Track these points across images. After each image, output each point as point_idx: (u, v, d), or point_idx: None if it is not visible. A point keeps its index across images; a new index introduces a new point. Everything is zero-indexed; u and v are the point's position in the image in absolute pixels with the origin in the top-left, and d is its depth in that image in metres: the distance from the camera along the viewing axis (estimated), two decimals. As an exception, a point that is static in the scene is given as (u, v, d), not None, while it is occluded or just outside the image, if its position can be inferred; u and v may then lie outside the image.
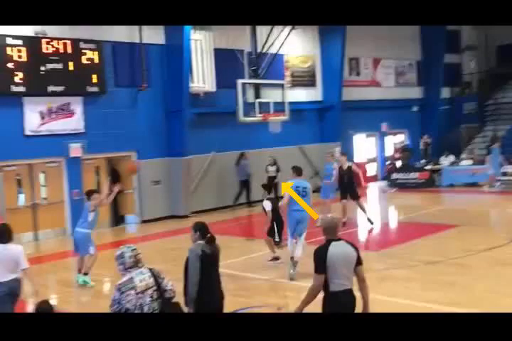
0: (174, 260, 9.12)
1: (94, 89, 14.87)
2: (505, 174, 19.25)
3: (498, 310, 7.08)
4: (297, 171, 9.82)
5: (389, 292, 8.29)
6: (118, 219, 16.21)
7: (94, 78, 14.79)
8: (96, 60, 14.81)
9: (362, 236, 13.49)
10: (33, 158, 14.05)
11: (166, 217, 16.54)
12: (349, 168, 13.67)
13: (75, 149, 14.68)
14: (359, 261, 5.10)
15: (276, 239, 10.40)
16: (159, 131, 16.56)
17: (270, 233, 10.34)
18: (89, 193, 10.00)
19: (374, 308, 7.59)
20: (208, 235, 5.75)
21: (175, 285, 5.19)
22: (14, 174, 14.19)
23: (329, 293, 4.99)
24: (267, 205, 10.28)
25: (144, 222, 16.02)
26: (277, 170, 17.73)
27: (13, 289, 6.65)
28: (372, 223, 13.62)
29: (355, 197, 13.78)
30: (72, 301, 9.24)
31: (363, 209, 13.86)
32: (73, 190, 14.73)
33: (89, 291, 9.50)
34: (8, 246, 6.69)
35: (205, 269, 5.60)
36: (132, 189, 16.15)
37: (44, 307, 4.32)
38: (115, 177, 16.20)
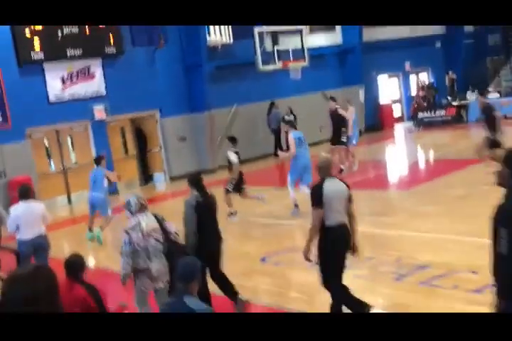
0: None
1: (112, 50, 14.87)
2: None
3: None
4: (292, 125, 11.04)
5: (420, 228, 8.40)
6: (147, 177, 16.52)
7: (111, 39, 14.79)
8: (111, 21, 14.71)
9: (391, 176, 13.54)
10: (59, 123, 14.26)
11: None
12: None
13: (99, 112, 14.82)
14: (350, 199, 5.40)
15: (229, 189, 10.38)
16: (180, 87, 16.57)
17: (236, 188, 10.32)
18: (100, 159, 10.43)
19: (406, 243, 7.75)
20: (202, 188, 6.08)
21: (178, 228, 5.71)
22: (43, 140, 14.49)
23: (325, 228, 5.27)
24: (233, 157, 10.28)
25: (172, 179, 16.28)
26: (295, 119, 17.67)
27: (40, 245, 7.01)
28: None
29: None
30: (103, 257, 9.57)
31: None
32: (101, 152, 14.97)
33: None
34: (31, 204, 7.02)
35: (202, 218, 5.89)
36: (158, 147, 16.37)
37: (74, 260, 4.55)
38: (141, 138, 16.47)
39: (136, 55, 15.61)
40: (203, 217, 5.91)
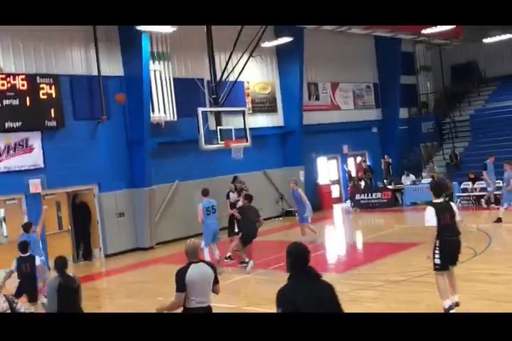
0: (139, 293, 9.02)
1: (53, 123, 14.77)
2: (465, 190, 19.62)
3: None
4: (204, 192, 12.25)
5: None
6: (87, 254, 15.94)
7: (52, 112, 14.72)
8: (53, 95, 14.76)
9: (328, 258, 13.55)
10: (-8, 196, 13.80)
11: (132, 249, 16.36)
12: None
13: (35, 185, 14.48)
14: (216, 280, 5.72)
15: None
16: (121, 162, 16.49)
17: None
18: (28, 226, 10.75)
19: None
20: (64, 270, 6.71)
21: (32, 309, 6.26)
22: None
23: (186, 309, 5.55)
24: None
25: (108, 256, 15.81)
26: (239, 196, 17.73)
27: None
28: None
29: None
30: None
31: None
32: (35, 226, 14.45)
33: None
34: None
35: (63, 299, 6.47)
36: (96, 223, 15.97)
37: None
38: (82, 211, 16.03)
39: (77, 128, 15.55)
40: (65, 298, 6.48)
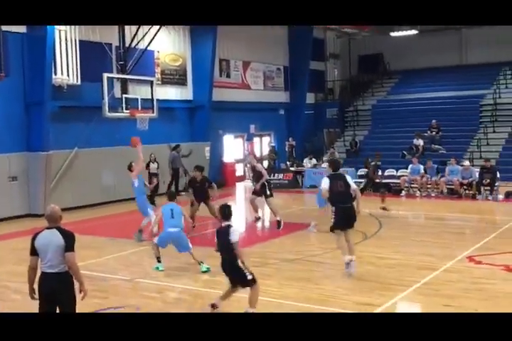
0: (27, 260, 8.61)
1: None
2: (361, 177, 20.36)
3: (345, 307, 7.55)
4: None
5: (246, 289, 8.44)
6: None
7: None
8: None
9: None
10: None
11: (23, 215, 15.64)
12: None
13: None
14: (67, 249, 5.69)
15: None
16: (17, 123, 15.64)
17: None
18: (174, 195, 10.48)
19: (230, 305, 7.73)
20: None
21: None
22: None
23: (41, 273, 5.79)
24: None
25: (-3, 220, 15.06)
26: (158, 167, 17.66)
27: None
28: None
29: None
30: None
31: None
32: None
33: None
34: None
35: None
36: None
37: None
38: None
39: (-28, 84, 14.52)
40: None
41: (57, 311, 5.75)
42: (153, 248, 9.88)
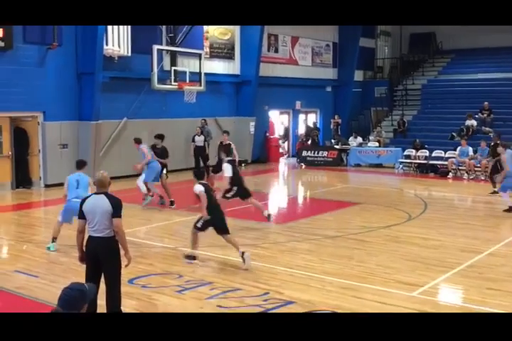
0: (75, 225, 8.90)
1: (0, 43, 14.04)
2: (408, 157, 20.11)
3: (386, 285, 7.54)
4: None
5: (288, 263, 8.53)
6: (24, 181, 15.57)
7: (1, 32, 13.96)
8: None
9: (269, 208, 13.74)
10: None
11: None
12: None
13: (-24, 106, 13.85)
14: (115, 214, 5.82)
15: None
16: (69, 93, 15.94)
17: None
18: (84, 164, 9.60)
19: (272, 278, 7.82)
20: None
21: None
22: None
23: (88, 236, 5.97)
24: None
25: (48, 186, 15.49)
26: (205, 140, 17.54)
27: None
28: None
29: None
30: None
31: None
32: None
33: None
34: None
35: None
36: (37, 152, 15.54)
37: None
38: (22, 137, 15.52)
39: (26, 52, 14.86)
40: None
41: (103, 275, 5.91)
42: (55, 226, 9.27)
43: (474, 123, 20.96)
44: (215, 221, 8.44)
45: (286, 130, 24.20)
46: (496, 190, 14.05)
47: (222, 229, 8.49)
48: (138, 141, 12.97)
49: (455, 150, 18.85)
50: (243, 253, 8.20)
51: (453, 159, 18.51)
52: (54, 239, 9.19)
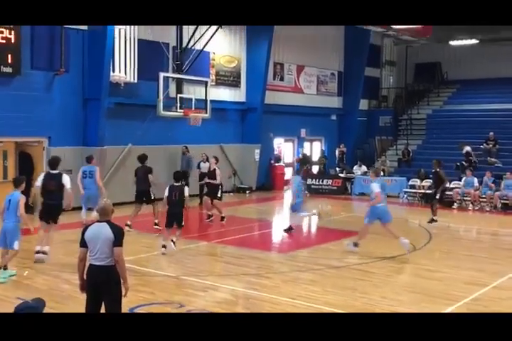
0: (76, 252, 8.83)
1: (8, 69, 14.18)
2: (412, 187, 20.03)
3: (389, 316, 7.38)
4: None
5: (290, 293, 8.40)
6: (28, 205, 15.47)
7: (9, 58, 14.12)
8: (12, 40, 14.12)
9: (272, 237, 13.63)
10: None
11: (75, 207, 15.96)
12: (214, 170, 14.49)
13: (-19, 131, 13.92)
14: (116, 243, 5.80)
15: None
16: (74, 118, 16.02)
17: None
18: (20, 181, 9.31)
19: (273, 308, 7.69)
20: None
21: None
22: None
23: (89, 264, 5.95)
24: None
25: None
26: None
27: None
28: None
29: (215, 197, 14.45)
30: None
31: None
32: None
33: None
34: None
35: None
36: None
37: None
38: (26, 162, 15.54)
39: (33, 78, 14.99)
40: None
41: (103, 303, 5.83)
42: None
43: (469, 148, 20.88)
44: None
45: (304, 156, 23.99)
46: None
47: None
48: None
49: (460, 180, 18.78)
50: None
51: (458, 189, 18.42)
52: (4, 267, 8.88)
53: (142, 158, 13.60)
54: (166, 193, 11.15)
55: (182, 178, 12.28)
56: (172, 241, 10.94)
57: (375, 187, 11.13)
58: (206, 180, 14.64)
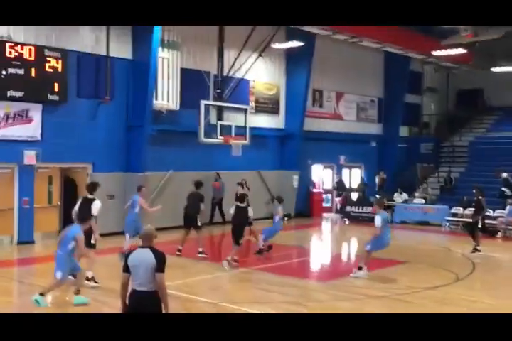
0: (119, 277, 8.92)
1: (55, 97, 14.66)
2: (455, 215, 19.64)
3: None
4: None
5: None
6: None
7: (56, 86, 14.60)
8: (59, 69, 14.64)
9: (311, 265, 13.51)
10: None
11: (118, 232, 16.19)
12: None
13: (30, 156, 14.38)
14: (158, 269, 5.81)
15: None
16: (118, 145, 16.39)
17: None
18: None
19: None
20: None
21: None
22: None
23: (131, 290, 5.94)
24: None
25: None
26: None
27: None
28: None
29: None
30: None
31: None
32: (23, 197, 14.38)
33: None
34: None
35: None
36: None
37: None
38: (70, 187, 15.90)
39: (79, 105, 15.47)
40: None
41: None
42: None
43: (505, 175, 20.43)
44: None
45: (341, 182, 23.88)
46: None
47: None
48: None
49: (504, 209, 18.34)
50: None
51: (502, 218, 17.98)
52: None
53: (197, 184, 13.45)
54: (231, 211, 12.09)
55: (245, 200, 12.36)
56: (227, 260, 11.38)
57: (378, 221, 11.21)
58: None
